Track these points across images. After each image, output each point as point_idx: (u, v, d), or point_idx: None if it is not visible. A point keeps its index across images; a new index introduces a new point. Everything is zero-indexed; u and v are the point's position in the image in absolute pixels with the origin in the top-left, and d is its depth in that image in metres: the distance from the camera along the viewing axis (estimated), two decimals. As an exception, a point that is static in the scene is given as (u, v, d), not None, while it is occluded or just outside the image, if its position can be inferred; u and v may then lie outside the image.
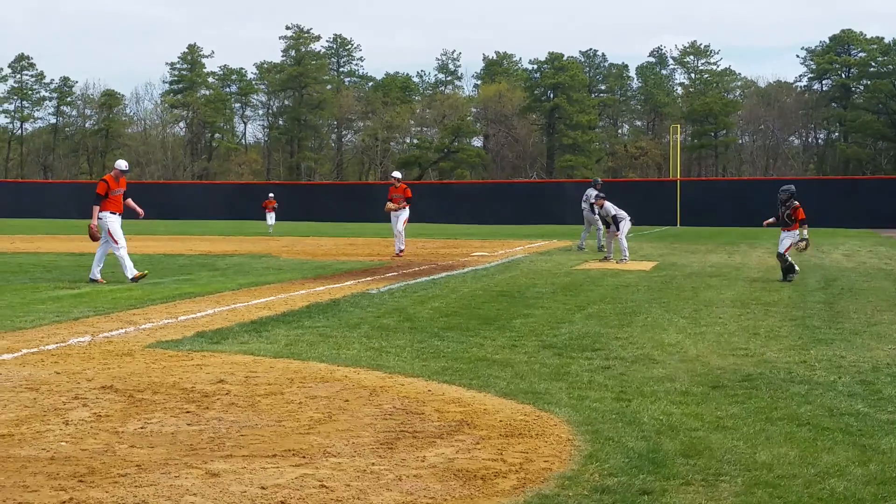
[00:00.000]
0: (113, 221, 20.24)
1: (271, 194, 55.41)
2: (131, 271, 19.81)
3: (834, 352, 11.72)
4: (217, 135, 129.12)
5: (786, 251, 21.57)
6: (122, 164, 20.81)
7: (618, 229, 26.86)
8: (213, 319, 14.20)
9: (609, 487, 6.26)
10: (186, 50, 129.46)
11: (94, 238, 20.39)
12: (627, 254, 26.97)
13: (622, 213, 26.96)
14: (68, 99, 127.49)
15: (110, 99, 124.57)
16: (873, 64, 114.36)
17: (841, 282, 21.21)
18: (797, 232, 22.02)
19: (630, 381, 9.73)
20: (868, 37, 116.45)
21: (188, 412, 8.29)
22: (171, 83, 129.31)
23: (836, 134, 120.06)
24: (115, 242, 19.99)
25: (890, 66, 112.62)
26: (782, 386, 9.56)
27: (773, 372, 10.33)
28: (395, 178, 30.44)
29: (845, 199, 62.41)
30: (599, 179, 32.68)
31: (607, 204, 27.52)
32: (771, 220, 22.93)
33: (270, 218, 52.85)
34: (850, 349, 11.94)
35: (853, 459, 6.94)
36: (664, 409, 8.47)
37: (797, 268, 21.75)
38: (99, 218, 20.15)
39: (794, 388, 9.43)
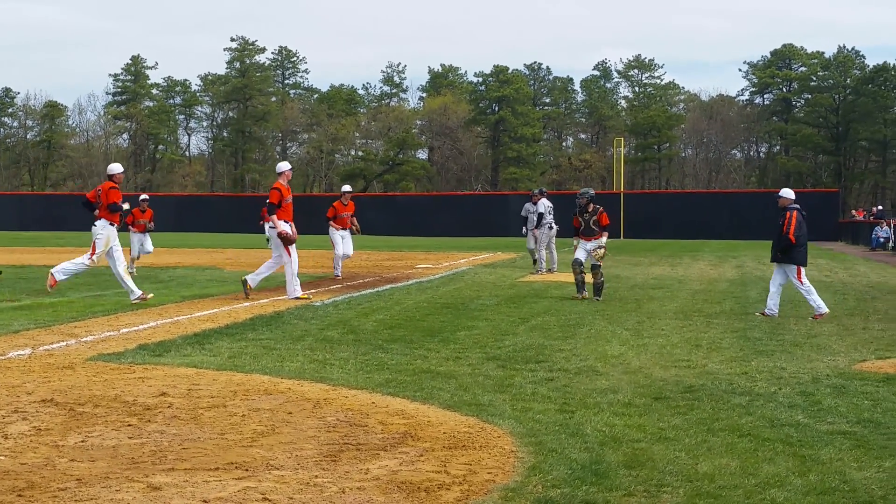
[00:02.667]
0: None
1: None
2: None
3: (775, 363, 11.83)
4: (161, 146, 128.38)
5: (601, 261, 20.14)
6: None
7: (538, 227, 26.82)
8: (156, 332, 14.10)
9: (552, 499, 6.27)
10: (130, 61, 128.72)
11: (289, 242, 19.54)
12: (555, 265, 27.22)
13: (549, 219, 27.02)
14: (9, 110, 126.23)
15: (52, 110, 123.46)
16: (814, 78, 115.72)
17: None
18: (602, 240, 20.40)
19: (573, 393, 9.76)
20: (809, 51, 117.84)
21: (130, 425, 8.22)
22: (114, 94, 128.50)
23: (778, 147, 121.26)
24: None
25: (830, 81, 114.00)
26: (724, 397, 9.63)
27: (714, 383, 10.40)
28: (347, 192, 26.32)
29: (786, 212, 62.97)
30: (545, 189, 31.74)
31: (545, 201, 27.67)
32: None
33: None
34: (791, 361, 12.06)
35: (793, 470, 7.00)
36: (607, 420, 8.51)
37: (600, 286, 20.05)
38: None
39: (735, 400, 9.50)
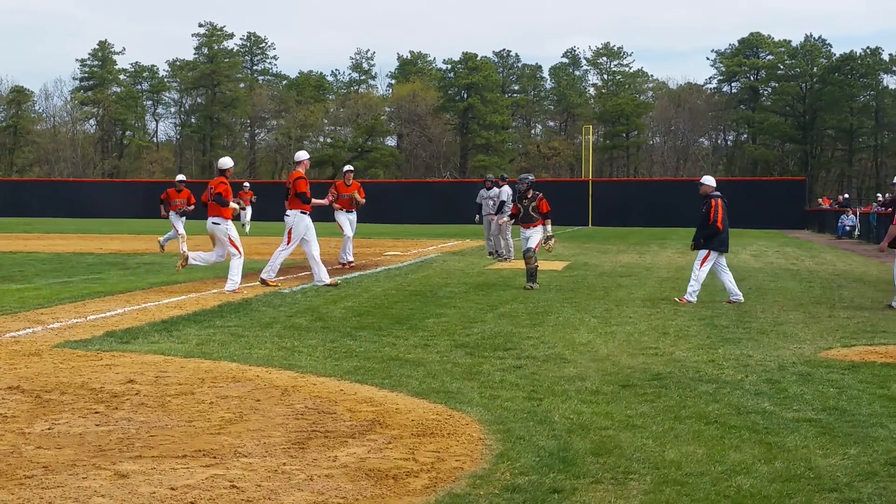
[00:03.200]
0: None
1: (246, 184, 47.95)
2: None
3: (741, 351, 11.90)
4: (128, 132, 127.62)
5: (535, 248, 19.65)
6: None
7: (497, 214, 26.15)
8: (123, 319, 14.05)
9: (520, 486, 6.29)
10: (97, 46, 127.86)
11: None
12: (512, 252, 26.95)
13: (507, 209, 25.92)
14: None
15: (19, 95, 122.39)
16: (781, 67, 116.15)
17: (748, 282, 21.51)
18: (542, 228, 19.89)
19: (541, 381, 9.79)
20: (776, 40, 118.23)
21: (97, 413, 8.20)
22: (81, 80, 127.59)
23: (745, 135, 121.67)
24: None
25: (797, 69, 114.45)
26: (691, 385, 9.68)
27: (681, 371, 10.46)
28: (349, 172, 25.33)
29: (753, 199, 63.23)
30: (506, 176, 30.88)
31: (508, 189, 27.53)
32: (505, 218, 22.11)
33: (245, 214, 45.17)
34: (758, 348, 12.13)
35: (759, 457, 7.05)
36: (575, 408, 8.53)
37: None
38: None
39: (702, 387, 9.55)
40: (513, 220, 20.96)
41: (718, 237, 17.67)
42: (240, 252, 18.54)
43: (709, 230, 17.61)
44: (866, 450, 7.28)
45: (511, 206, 23.15)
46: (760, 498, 6.18)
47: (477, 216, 28.41)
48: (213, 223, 18.82)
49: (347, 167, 26.17)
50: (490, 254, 28.40)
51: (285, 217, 19.47)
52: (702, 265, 17.58)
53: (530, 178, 20.50)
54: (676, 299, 17.44)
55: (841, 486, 6.39)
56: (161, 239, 26.68)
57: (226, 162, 19.58)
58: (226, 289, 17.97)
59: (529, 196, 19.98)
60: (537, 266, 19.76)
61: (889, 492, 6.32)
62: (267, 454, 6.99)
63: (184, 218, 27.85)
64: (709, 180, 18.50)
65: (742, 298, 17.33)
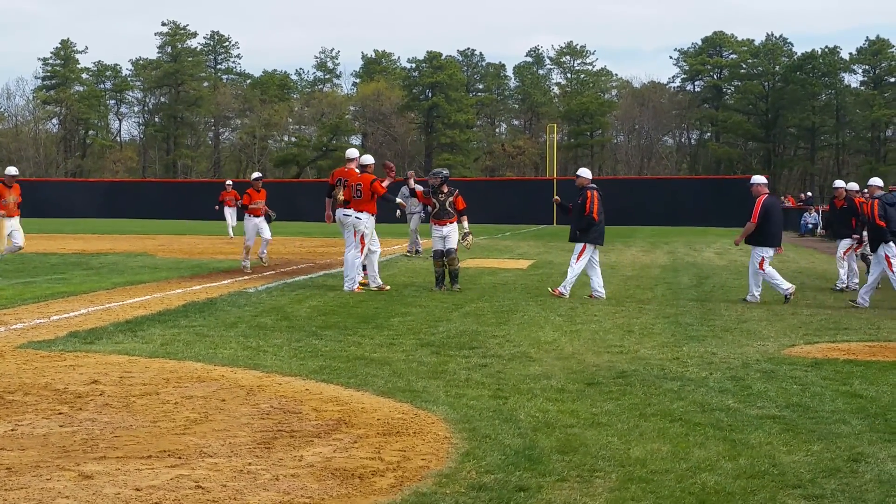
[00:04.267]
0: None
1: (229, 183, 44.27)
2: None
3: (706, 348, 11.96)
4: (91, 132, 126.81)
5: (457, 248, 19.04)
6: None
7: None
8: (87, 319, 13.98)
9: (486, 485, 6.31)
10: (59, 45, 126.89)
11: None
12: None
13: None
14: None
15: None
16: (744, 66, 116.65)
17: (713, 280, 21.64)
18: (458, 225, 19.23)
19: (507, 379, 9.81)
20: (739, 39, 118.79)
21: (61, 413, 8.16)
22: (43, 79, 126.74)
23: (709, 134, 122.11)
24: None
25: (759, 68, 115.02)
26: (656, 382, 9.72)
27: (646, 369, 10.50)
28: (256, 178, 24.71)
29: (717, 198, 63.48)
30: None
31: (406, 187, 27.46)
32: (417, 212, 21.30)
33: (230, 215, 41.07)
34: (721, 346, 12.20)
35: (724, 454, 7.09)
36: (540, 406, 8.56)
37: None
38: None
39: (667, 385, 9.60)
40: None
41: (596, 229, 18.02)
42: (362, 252, 18.55)
43: (584, 222, 17.90)
44: (829, 446, 7.34)
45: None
46: (725, 495, 6.21)
47: (398, 211, 26.96)
48: (357, 218, 18.59)
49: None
50: (408, 252, 28.31)
51: (345, 217, 18.89)
52: (578, 259, 17.93)
53: (444, 172, 19.95)
54: (550, 289, 17.92)
55: (804, 483, 6.44)
56: (262, 254, 24.02)
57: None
58: (346, 288, 18.12)
59: (445, 191, 19.25)
60: (459, 267, 19.19)
61: (852, 487, 6.38)
62: (232, 454, 6.98)
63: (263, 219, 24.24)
64: (584, 173, 18.86)
65: (604, 295, 17.69)
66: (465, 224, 19.25)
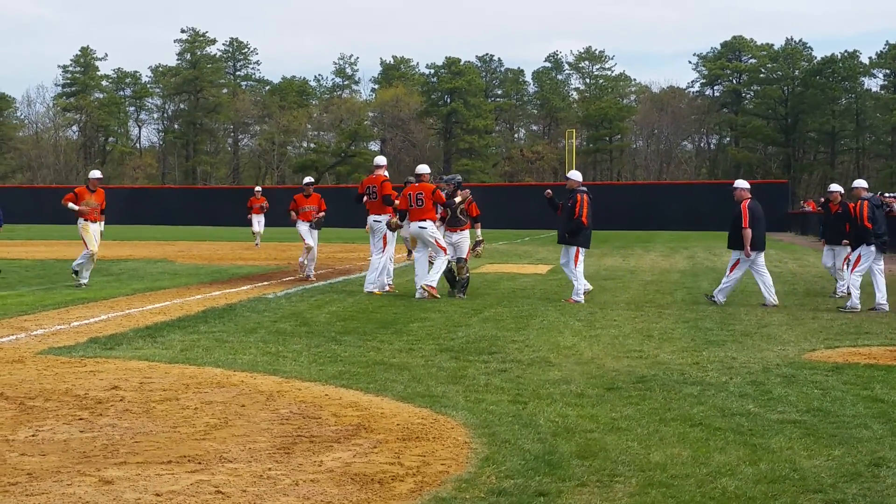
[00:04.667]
0: None
1: (258, 189, 42.34)
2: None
3: (726, 353, 11.92)
4: (111, 138, 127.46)
5: (467, 257, 18.91)
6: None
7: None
8: (107, 325, 14.02)
9: (505, 490, 6.29)
10: (79, 52, 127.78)
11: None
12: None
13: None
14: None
15: (0, 102, 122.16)
16: (763, 70, 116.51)
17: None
18: (470, 232, 19.18)
19: (526, 384, 9.79)
20: (758, 43, 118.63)
21: (81, 419, 8.17)
22: (63, 86, 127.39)
23: (728, 139, 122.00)
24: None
25: (779, 73, 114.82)
26: (675, 387, 9.69)
27: (666, 373, 10.47)
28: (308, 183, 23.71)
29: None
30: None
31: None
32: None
33: (258, 223, 38.87)
34: (742, 350, 12.16)
35: (744, 459, 7.06)
36: (560, 411, 8.54)
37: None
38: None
39: (686, 389, 9.56)
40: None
41: (584, 233, 18.02)
42: (445, 252, 18.42)
43: (572, 224, 17.90)
44: (850, 451, 7.30)
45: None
46: (745, 499, 6.18)
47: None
48: (420, 227, 18.46)
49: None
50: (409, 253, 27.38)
51: (373, 222, 19.16)
52: (576, 263, 17.94)
53: (458, 178, 19.82)
54: (564, 300, 17.82)
55: (825, 487, 6.41)
56: (306, 267, 22.94)
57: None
58: (427, 283, 18.04)
59: (458, 199, 19.10)
60: (469, 276, 18.90)
61: (873, 492, 6.34)
62: (252, 459, 6.98)
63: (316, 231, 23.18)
64: (575, 175, 18.90)
65: (583, 300, 17.72)
66: (479, 231, 19.13)
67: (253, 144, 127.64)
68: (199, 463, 6.87)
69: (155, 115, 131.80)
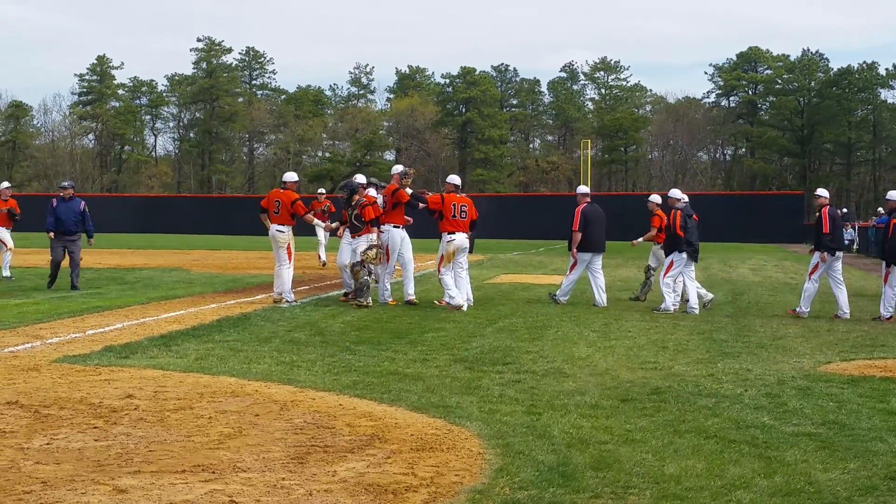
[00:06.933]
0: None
1: (322, 191, 32.74)
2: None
3: (741, 365, 11.89)
4: (127, 147, 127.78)
5: (362, 262, 18.24)
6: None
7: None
8: (122, 334, 14.04)
9: (519, 501, 6.28)
10: (96, 61, 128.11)
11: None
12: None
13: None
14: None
15: (17, 110, 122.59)
16: (779, 81, 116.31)
17: (748, 296, 21.52)
18: (372, 236, 18.48)
19: (541, 395, 9.78)
20: (774, 54, 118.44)
21: (95, 427, 8.18)
22: (80, 94, 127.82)
23: (743, 150, 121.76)
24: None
25: (795, 84, 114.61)
26: (690, 399, 9.67)
27: (681, 385, 10.45)
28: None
29: (751, 214, 63.26)
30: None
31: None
32: (334, 224, 19.70)
33: (320, 233, 30.20)
34: (757, 362, 12.13)
35: (759, 471, 7.04)
36: (574, 422, 8.52)
37: (368, 291, 18.38)
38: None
39: (701, 401, 9.54)
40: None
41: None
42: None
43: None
44: (866, 464, 7.28)
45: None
46: (760, 512, 6.17)
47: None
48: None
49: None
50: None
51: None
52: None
53: (354, 183, 19.17)
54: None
55: (841, 501, 6.39)
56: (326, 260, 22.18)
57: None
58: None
59: (353, 203, 18.74)
60: (367, 281, 18.30)
61: (889, 506, 6.32)
62: (266, 469, 6.98)
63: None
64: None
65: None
66: (373, 237, 18.47)
67: (268, 153, 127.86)
68: (213, 472, 6.87)
69: (171, 124, 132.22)
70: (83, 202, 21.93)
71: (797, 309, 17.76)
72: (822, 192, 18.91)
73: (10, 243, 24.89)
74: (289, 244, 18.85)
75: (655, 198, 21.38)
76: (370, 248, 18.27)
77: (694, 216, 18.87)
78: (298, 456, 7.35)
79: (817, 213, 18.40)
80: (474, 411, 8.92)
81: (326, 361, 11.74)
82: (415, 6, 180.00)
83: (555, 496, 6.39)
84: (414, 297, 18.72)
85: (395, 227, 18.98)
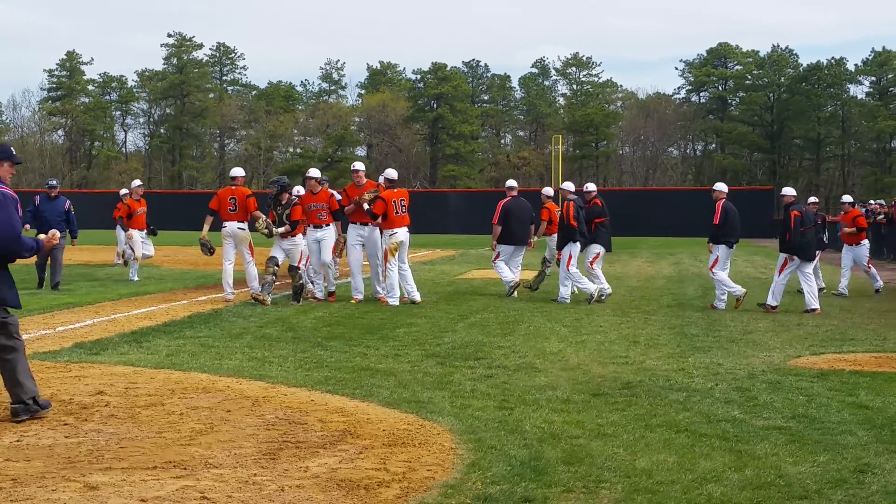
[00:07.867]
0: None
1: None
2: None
3: (711, 359, 11.94)
4: (97, 143, 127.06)
5: (299, 263, 18.26)
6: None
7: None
8: (93, 330, 13.99)
9: (491, 496, 6.29)
10: (65, 57, 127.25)
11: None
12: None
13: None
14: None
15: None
16: (749, 77, 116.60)
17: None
18: (299, 238, 18.42)
19: (512, 390, 9.80)
20: (744, 50, 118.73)
21: (66, 424, 8.15)
22: (49, 90, 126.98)
23: (714, 145, 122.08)
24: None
25: (765, 80, 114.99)
26: (661, 393, 9.71)
27: (652, 379, 10.49)
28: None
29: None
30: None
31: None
32: (262, 222, 18.23)
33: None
34: (727, 357, 12.18)
35: (729, 465, 7.07)
36: (546, 417, 8.55)
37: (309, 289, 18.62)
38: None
39: (672, 396, 9.58)
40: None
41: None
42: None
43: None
44: (835, 457, 7.32)
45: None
46: (731, 506, 6.21)
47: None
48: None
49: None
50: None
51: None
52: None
53: (283, 180, 19.12)
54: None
55: (811, 494, 6.43)
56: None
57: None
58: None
59: (283, 202, 18.42)
60: (302, 283, 18.28)
61: (858, 499, 6.36)
62: (238, 465, 6.97)
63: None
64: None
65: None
66: (299, 237, 18.29)
67: (239, 149, 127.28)
68: (185, 468, 6.86)
69: (141, 120, 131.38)
70: (68, 201, 21.85)
71: (765, 303, 17.89)
72: (789, 190, 19.23)
73: (140, 250, 24.36)
74: (249, 240, 18.82)
75: (548, 190, 22.16)
76: (259, 219, 18.13)
77: (587, 204, 19.90)
78: (270, 452, 7.34)
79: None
80: (446, 406, 8.93)
81: (298, 357, 11.74)
82: (386, 1, 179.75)
83: (527, 490, 6.41)
84: (382, 295, 18.66)
85: (361, 224, 18.96)
